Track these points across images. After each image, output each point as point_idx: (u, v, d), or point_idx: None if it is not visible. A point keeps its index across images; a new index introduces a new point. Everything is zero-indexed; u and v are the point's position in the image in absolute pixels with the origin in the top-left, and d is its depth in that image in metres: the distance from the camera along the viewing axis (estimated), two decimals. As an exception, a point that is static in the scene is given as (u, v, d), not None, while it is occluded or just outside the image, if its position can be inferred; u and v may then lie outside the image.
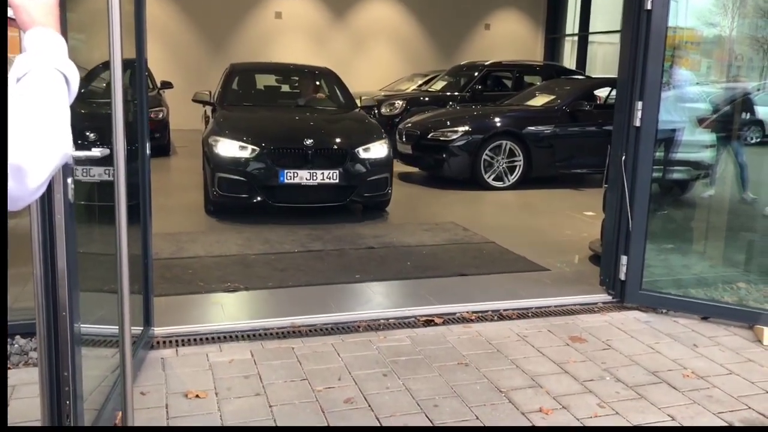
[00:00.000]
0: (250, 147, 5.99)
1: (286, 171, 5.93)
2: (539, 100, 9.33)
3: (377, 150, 6.33)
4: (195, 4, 14.36)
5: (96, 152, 2.01)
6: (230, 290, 4.30)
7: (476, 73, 11.41)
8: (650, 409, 2.98)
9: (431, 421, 2.82)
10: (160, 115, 9.85)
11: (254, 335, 3.63)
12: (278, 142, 6.08)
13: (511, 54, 14.77)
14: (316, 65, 8.74)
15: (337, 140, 6.32)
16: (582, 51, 16.51)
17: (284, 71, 8.74)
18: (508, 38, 16.62)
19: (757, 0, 6.55)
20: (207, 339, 3.55)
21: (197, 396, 2.96)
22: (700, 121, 6.69)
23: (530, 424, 2.82)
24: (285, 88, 8.52)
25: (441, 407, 2.93)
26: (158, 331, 3.53)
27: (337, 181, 6.04)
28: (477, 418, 2.85)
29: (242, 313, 3.98)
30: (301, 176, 5.94)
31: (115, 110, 2.19)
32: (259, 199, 5.94)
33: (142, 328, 3.33)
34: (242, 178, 5.93)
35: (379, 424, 2.78)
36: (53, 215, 2.01)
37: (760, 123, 8.55)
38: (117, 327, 2.84)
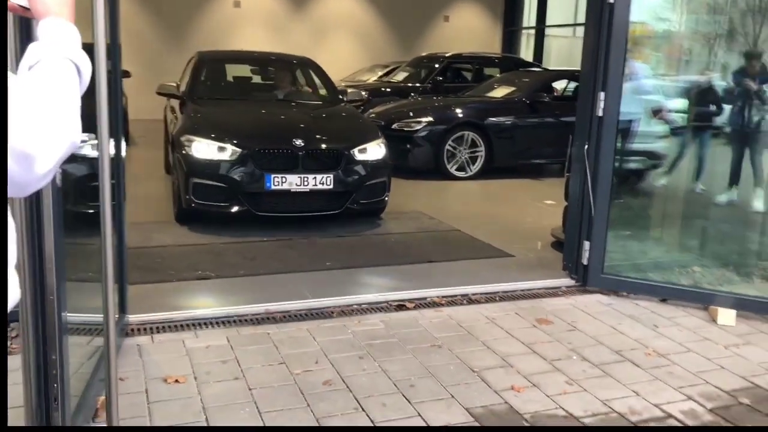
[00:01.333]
0: (230, 148, 5.27)
1: (273, 176, 5.22)
2: (499, 92, 9.48)
3: (374, 151, 5.71)
4: (152, -8, 14.11)
5: (84, 136, 2.02)
6: (202, 278, 4.31)
7: (437, 65, 11.53)
8: (616, 386, 3.13)
9: (408, 400, 2.90)
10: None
11: (229, 322, 3.65)
12: (264, 143, 5.39)
13: (470, 46, 14.92)
14: (294, 54, 8.00)
15: (330, 140, 5.63)
16: (539, 44, 16.79)
17: (259, 61, 7.91)
18: (467, 30, 16.78)
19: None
20: (182, 326, 3.57)
21: (176, 381, 2.99)
22: (657, 112, 6.93)
23: (504, 402, 2.93)
24: (260, 79, 7.78)
25: (417, 387, 3.02)
26: (133, 318, 3.53)
27: (331, 186, 5.37)
28: (452, 397, 2.94)
29: (216, 301, 4.00)
30: (291, 181, 5.24)
31: (99, 98, 2.19)
32: (241, 208, 5.24)
33: (117, 316, 3.33)
34: (222, 184, 5.22)
35: (357, 405, 2.85)
36: (41, 200, 2.01)
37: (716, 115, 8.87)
38: (92, 315, 2.87)
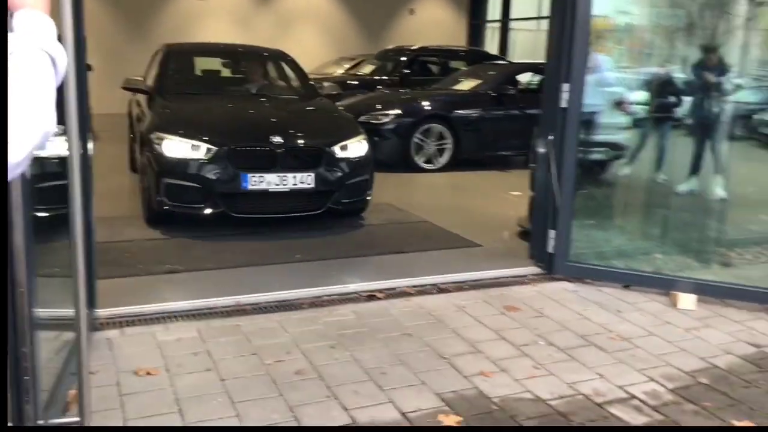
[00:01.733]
0: (204, 146, 4.98)
1: (250, 175, 4.96)
2: (465, 85, 9.56)
3: (356, 148, 5.46)
4: (113, -16, 13.87)
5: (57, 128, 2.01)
6: (171, 272, 4.29)
7: (403, 58, 11.56)
8: (581, 369, 3.21)
9: (380, 387, 2.94)
10: (81, 99, 9.54)
11: (200, 314, 3.65)
12: (240, 140, 5.14)
13: (436, 39, 14.99)
14: (266, 46, 7.66)
15: (310, 137, 5.38)
16: (503, 37, 16.93)
17: (230, 53, 7.51)
18: (433, 23, 16.84)
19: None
20: (152, 319, 3.56)
21: (148, 373, 2.98)
22: (620, 104, 7.07)
23: (473, 387, 2.99)
24: (231, 73, 7.40)
25: (389, 374, 3.07)
26: (102, 312, 3.51)
27: (312, 185, 5.12)
28: (423, 383, 3.00)
29: (186, 294, 3.98)
30: (269, 181, 4.99)
31: (68, 92, 2.19)
32: (216, 209, 4.99)
33: (86, 310, 3.30)
34: (196, 185, 4.95)
35: (330, 393, 2.88)
36: (9, 193, 2.00)
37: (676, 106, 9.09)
38: (60, 309, 2.85)
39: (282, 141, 5.13)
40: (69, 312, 2.72)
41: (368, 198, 5.62)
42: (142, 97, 6.23)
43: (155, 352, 3.19)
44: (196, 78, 7.02)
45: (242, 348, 3.28)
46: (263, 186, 5.00)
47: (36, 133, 1.08)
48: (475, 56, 12.35)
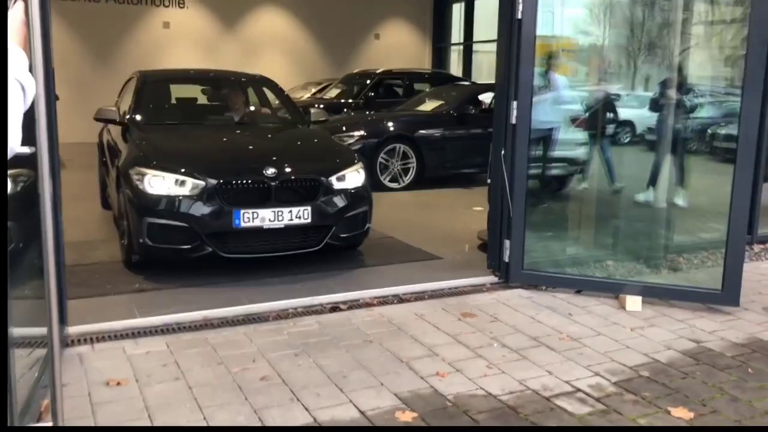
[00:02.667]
0: (191, 181, 4.57)
1: (242, 211, 4.56)
2: (429, 106, 9.85)
3: (353, 178, 5.10)
4: (78, 14, 13.99)
5: (25, 149, 2.17)
6: (139, 291, 4.41)
7: (368, 81, 11.85)
8: (532, 367, 3.41)
9: (341, 390, 3.11)
10: (49, 127, 9.59)
11: (168, 329, 3.79)
12: (230, 174, 4.69)
13: (401, 62, 15.36)
14: (246, 72, 7.37)
15: (305, 168, 4.95)
16: (467, 59, 17.37)
17: (209, 80, 7.14)
18: (397, 47, 17.22)
19: (625, 12, 7.34)
20: (121, 335, 3.69)
21: (118, 383, 3.12)
22: (573, 121, 7.39)
23: (429, 386, 3.17)
24: (211, 100, 6.99)
25: (349, 378, 3.23)
26: (72, 330, 3.62)
27: (308, 220, 4.74)
28: (382, 384, 3.17)
29: (154, 310, 4.10)
30: (263, 217, 4.60)
31: (39, 118, 2.35)
32: (205, 250, 4.58)
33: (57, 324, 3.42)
34: (182, 224, 4.53)
35: (293, 396, 3.04)
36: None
37: (630, 124, 9.49)
38: (31, 328, 2.98)
39: (275, 173, 4.72)
40: (39, 330, 2.87)
41: (368, 230, 5.29)
42: (115, 128, 5.87)
43: (125, 365, 3.32)
44: (174, 107, 6.63)
45: (209, 358, 3.42)
46: (257, 223, 4.60)
47: (9, 146, 1.25)
48: (438, 78, 12.69)
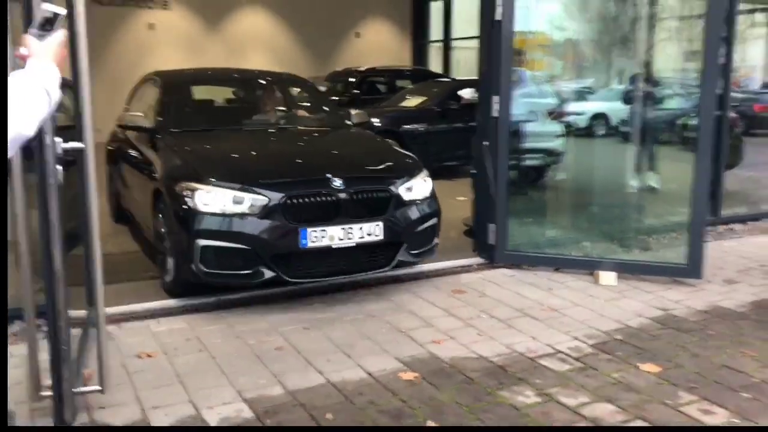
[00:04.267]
0: (251, 196, 4.03)
1: (310, 230, 4.03)
2: (412, 102, 10.23)
3: (421, 187, 4.60)
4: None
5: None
6: (153, 278, 4.74)
7: (352, 79, 12.20)
8: (518, 334, 3.82)
9: (349, 356, 3.49)
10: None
11: (186, 310, 4.14)
12: (293, 186, 4.13)
13: (382, 60, 15.71)
14: (275, 70, 6.86)
15: (374, 177, 4.51)
16: (446, 56, 17.78)
17: (237, 81, 6.50)
18: (378, 45, 17.58)
19: (600, 10, 7.79)
20: (145, 316, 4.03)
21: (149, 356, 3.47)
22: (551, 114, 7.84)
23: (427, 351, 3.56)
24: (241, 102, 6.32)
25: (356, 346, 3.61)
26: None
27: (380, 237, 4.23)
28: (385, 351, 3.55)
29: (172, 294, 4.40)
30: (332, 235, 4.07)
31: (84, 115, 2.70)
32: (268, 275, 4.04)
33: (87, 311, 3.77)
34: (244, 246, 3.99)
35: (307, 363, 3.41)
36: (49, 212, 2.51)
37: (604, 117, 9.97)
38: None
39: (343, 185, 4.19)
40: (77, 313, 3.24)
41: (436, 246, 4.74)
42: (136, 136, 5.33)
43: (152, 341, 3.68)
44: (207, 110, 5.93)
45: (227, 334, 3.78)
46: (325, 242, 4.07)
47: (13, 131, 1.53)
48: (419, 75, 13.08)
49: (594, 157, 7.92)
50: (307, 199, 4.10)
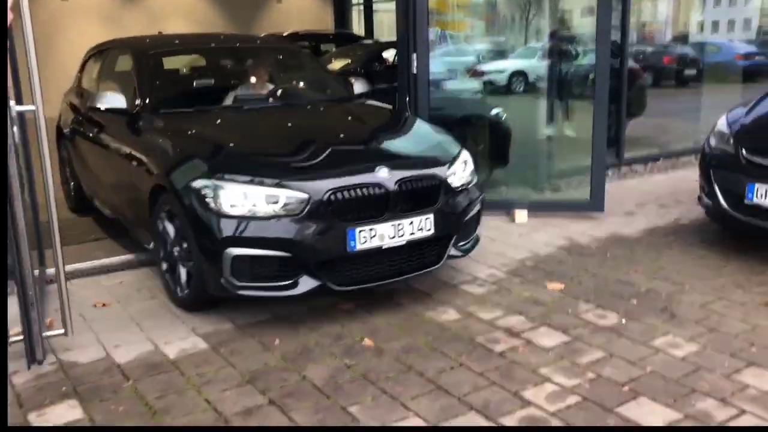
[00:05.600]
0: (286, 193, 3.37)
1: (358, 230, 3.43)
2: (337, 65, 10.48)
3: (464, 171, 3.99)
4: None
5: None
6: (98, 239, 4.95)
7: (276, 44, 12.32)
8: (442, 268, 4.25)
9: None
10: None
11: (131, 265, 4.38)
12: (335, 179, 3.46)
13: (305, 24, 15.81)
14: (258, 35, 5.73)
15: (420, 163, 3.81)
16: (368, 19, 17.99)
17: (223, 51, 5.50)
18: (299, 10, 17.62)
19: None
20: (92, 273, 4.26)
21: (104, 305, 3.75)
22: (470, 72, 8.29)
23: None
24: (234, 76, 5.12)
25: (296, 285, 3.97)
26: (51, 271, 4.16)
27: (431, 231, 3.64)
28: (324, 287, 3.93)
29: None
30: (381, 234, 3.48)
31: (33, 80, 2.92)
32: (313, 285, 3.42)
33: (37, 270, 3.98)
34: (284, 253, 3.36)
35: (258, 302, 3.75)
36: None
37: (523, 74, 10.50)
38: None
39: (389, 174, 3.56)
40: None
41: (479, 236, 4.19)
42: (109, 118, 4.44)
43: (104, 292, 3.94)
44: (198, 86, 5.02)
45: (176, 283, 4.07)
46: (375, 242, 3.47)
47: None
48: (342, 38, 13.33)
49: (513, 111, 8.42)
50: (354, 193, 3.44)
